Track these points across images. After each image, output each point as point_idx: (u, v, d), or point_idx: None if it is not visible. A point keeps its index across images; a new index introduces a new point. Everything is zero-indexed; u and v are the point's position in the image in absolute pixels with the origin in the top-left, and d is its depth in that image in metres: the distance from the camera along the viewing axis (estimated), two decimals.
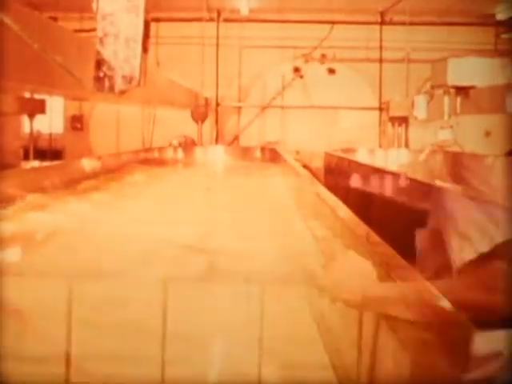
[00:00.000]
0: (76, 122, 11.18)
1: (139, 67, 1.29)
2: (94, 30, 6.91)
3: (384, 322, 1.06)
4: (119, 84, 1.29)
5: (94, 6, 1.29)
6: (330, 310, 1.68)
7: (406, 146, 10.50)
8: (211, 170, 7.84)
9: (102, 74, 1.27)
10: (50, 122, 10.78)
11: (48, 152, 10.47)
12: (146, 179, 5.51)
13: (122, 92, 1.31)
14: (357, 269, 1.13)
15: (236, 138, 11.43)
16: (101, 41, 1.26)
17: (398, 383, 0.98)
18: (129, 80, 1.29)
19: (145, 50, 1.32)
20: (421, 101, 7.82)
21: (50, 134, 10.93)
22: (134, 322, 1.78)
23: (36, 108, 9.66)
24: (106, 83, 1.28)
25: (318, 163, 9.88)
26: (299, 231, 2.43)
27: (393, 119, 10.66)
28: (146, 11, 1.32)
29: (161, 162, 8.05)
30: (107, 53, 1.27)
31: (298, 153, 10.48)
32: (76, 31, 9.26)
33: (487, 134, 11.24)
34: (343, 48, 10.81)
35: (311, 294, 1.72)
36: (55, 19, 10.28)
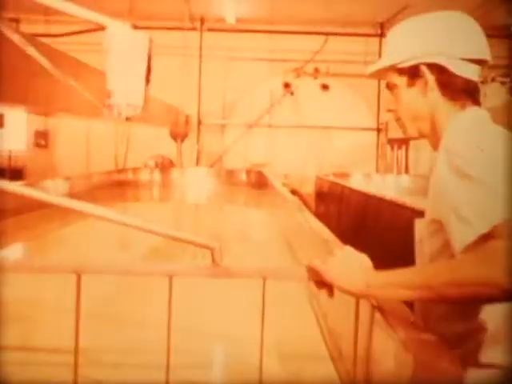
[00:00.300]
0: (40, 139, 11.35)
1: (143, 97, 1.73)
2: (61, 35, 7.38)
3: (378, 314, 1.42)
4: (126, 111, 1.73)
5: (105, 44, 1.72)
6: (327, 303, 2.12)
7: (406, 171, 10.93)
8: (189, 200, 7.96)
9: (111, 102, 1.70)
10: (11, 137, 11.06)
11: (7, 171, 10.67)
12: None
13: (128, 118, 1.75)
14: (356, 262, 1.34)
15: (219, 159, 11.72)
16: (111, 74, 1.69)
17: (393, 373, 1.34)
18: (134, 108, 1.73)
19: (147, 81, 1.76)
20: None
21: (10, 151, 11.18)
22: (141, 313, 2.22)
23: None
24: (115, 110, 1.71)
25: (309, 188, 10.22)
26: None
27: (392, 141, 11.07)
28: (150, 49, 1.76)
29: (133, 187, 8.30)
30: (116, 84, 1.70)
31: (286, 177, 10.78)
32: (41, 35, 9.65)
33: None
34: (338, 62, 11.21)
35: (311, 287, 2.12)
36: (17, 21, 10.63)
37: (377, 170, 11.46)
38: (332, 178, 9.21)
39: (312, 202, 9.66)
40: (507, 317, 1.31)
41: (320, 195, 9.49)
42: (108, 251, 3.72)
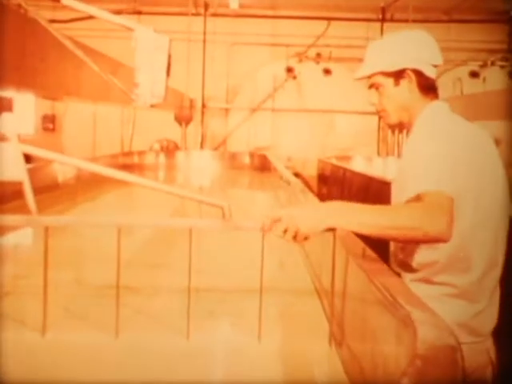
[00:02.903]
0: (48, 123, 11.74)
1: (164, 88, 2.15)
2: (69, 21, 7.87)
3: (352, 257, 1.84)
4: (150, 100, 2.15)
5: (133, 43, 2.13)
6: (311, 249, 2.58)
7: None
8: (194, 182, 8.34)
9: (138, 93, 2.12)
10: (19, 121, 11.45)
11: None
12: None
13: (153, 106, 2.17)
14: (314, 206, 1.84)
15: (223, 142, 12.12)
16: (138, 69, 2.11)
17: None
18: (157, 97, 2.16)
19: (167, 74, 2.18)
20: None
21: (19, 135, 11.54)
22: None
23: (2, 106, 10.33)
24: (142, 99, 2.13)
25: (311, 171, 10.57)
26: None
27: (392, 125, 11.38)
28: (169, 48, 2.17)
29: (139, 170, 8.64)
30: (142, 78, 2.12)
31: (289, 159, 11.14)
32: (49, 22, 9.98)
33: (496, 142, 12.08)
34: (340, 47, 11.54)
35: None
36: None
37: (378, 153, 11.80)
38: (334, 161, 9.53)
39: (314, 185, 10.00)
40: (455, 253, 1.81)
41: (322, 178, 9.81)
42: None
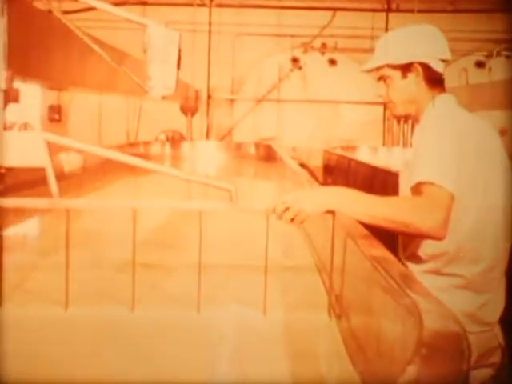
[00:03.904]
0: (54, 113, 11.88)
1: (175, 80, 2.33)
2: (72, 12, 7.96)
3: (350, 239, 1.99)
4: (162, 91, 2.32)
5: (146, 39, 2.30)
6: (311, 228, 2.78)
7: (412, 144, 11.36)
8: (200, 172, 8.48)
9: (151, 85, 2.29)
10: (26, 112, 11.62)
11: None
12: None
13: (164, 97, 2.34)
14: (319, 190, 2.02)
15: (229, 132, 12.29)
16: (150, 63, 2.28)
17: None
18: (168, 89, 2.33)
19: (178, 67, 2.35)
20: None
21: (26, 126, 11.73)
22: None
23: (9, 97, 10.44)
24: (155, 91, 2.31)
25: (317, 161, 10.71)
26: None
27: (399, 116, 11.49)
28: (179, 43, 2.34)
29: (144, 160, 8.75)
30: (154, 70, 2.29)
31: (294, 150, 11.31)
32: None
33: (503, 132, 12.13)
34: (345, 37, 11.65)
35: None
36: None
37: (383, 144, 11.92)
38: (339, 152, 9.66)
39: (320, 175, 10.14)
40: (464, 244, 1.93)
41: (328, 168, 9.94)
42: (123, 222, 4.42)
